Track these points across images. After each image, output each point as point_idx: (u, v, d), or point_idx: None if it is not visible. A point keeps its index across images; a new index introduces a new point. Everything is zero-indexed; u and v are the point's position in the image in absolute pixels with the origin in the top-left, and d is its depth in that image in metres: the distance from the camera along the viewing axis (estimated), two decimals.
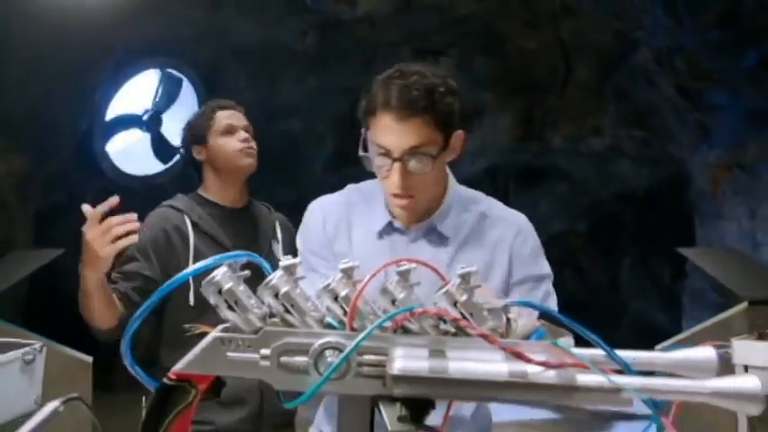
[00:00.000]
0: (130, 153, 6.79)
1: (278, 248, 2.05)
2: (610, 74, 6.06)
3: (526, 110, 7.02)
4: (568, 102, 6.67)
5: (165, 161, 6.87)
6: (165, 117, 6.96)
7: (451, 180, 1.53)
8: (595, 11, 5.69)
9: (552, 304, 1.42)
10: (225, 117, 2.09)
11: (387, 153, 1.37)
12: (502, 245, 1.46)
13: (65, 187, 5.66)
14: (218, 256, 0.83)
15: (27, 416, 1.14)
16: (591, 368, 0.79)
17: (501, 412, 1.85)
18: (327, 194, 1.57)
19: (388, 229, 1.48)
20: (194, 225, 1.98)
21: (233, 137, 2.06)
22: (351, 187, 1.56)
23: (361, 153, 1.43)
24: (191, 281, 1.83)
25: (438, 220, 1.47)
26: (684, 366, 0.86)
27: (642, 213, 7.46)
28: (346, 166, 7.52)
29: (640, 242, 7.51)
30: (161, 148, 6.72)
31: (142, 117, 6.65)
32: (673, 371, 0.87)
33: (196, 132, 2.12)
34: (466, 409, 1.47)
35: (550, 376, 0.77)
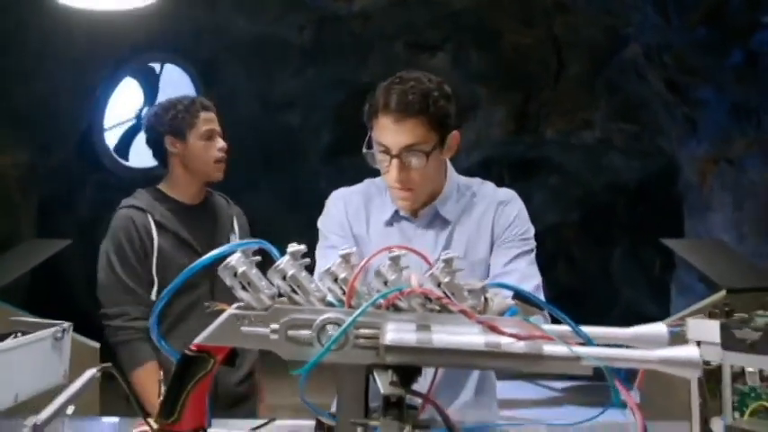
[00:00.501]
0: (129, 146, 6.89)
1: (235, 240, 2.08)
2: (601, 69, 6.17)
3: (520, 104, 7.13)
4: (561, 96, 6.78)
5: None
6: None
7: (451, 171, 1.67)
8: (587, 7, 5.80)
9: (535, 276, 1.55)
10: (208, 121, 2.08)
11: (386, 150, 1.51)
12: (486, 217, 1.61)
13: (66, 179, 5.77)
14: (233, 243, 0.96)
15: (57, 387, 1.27)
16: (555, 340, 0.92)
17: (506, 391, 1.97)
18: (347, 186, 1.71)
19: (397, 217, 1.63)
20: (157, 224, 2.01)
21: (212, 144, 2.07)
22: (368, 181, 1.71)
23: (364, 150, 1.56)
24: (154, 278, 1.95)
25: (440, 205, 1.62)
26: (640, 340, 0.99)
27: (633, 205, 7.60)
28: (342, 158, 7.64)
29: (631, 233, 7.64)
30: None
31: (140, 116, 6.77)
32: (630, 344, 1.00)
33: (175, 125, 2.07)
34: (468, 390, 1.59)
35: (520, 346, 0.90)
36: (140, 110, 6.89)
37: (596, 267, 8.14)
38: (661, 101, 5.67)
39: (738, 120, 4.79)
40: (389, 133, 1.50)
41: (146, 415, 1.07)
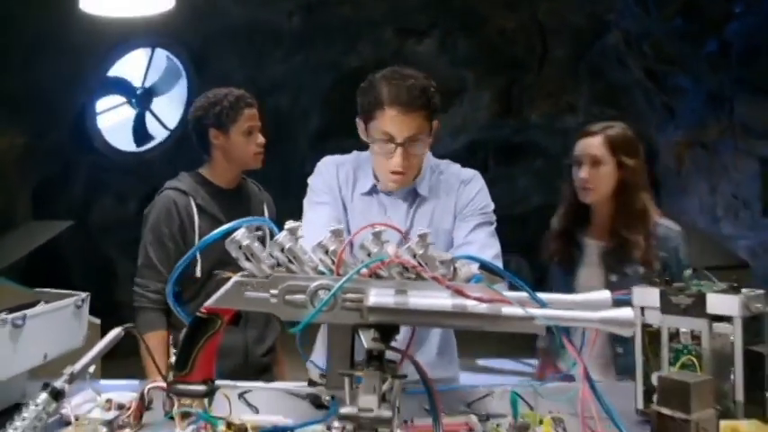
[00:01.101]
0: (121, 130, 6.99)
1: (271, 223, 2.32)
2: (584, 54, 6.33)
3: (505, 88, 7.28)
4: (545, 80, 6.93)
5: (151, 138, 7.10)
6: (156, 92, 7.17)
7: (428, 154, 1.84)
8: None
9: (494, 246, 1.74)
10: (250, 117, 2.27)
11: (391, 139, 1.68)
12: (451, 193, 1.81)
13: (61, 161, 5.87)
14: (239, 221, 1.11)
15: (78, 350, 1.42)
16: (513, 303, 1.08)
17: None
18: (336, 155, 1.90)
19: (375, 189, 1.82)
20: (199, 207, 2.22)
21: (251, 138, 2.27)
22: (355, 153, 1.89)
23: (364, 138, 1.75)
24: (198, 257, 2.11)
25: (417, 184, 1.81)
26: (587, 305, 1.16)
27: None
28: (331, 140, 7.76)
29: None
30: (154, 122, 6.96)
31: (136, 91, 6.86)
32: (578, 308, 1.16)
33: (220, 119, 2.25)
34: (431, 349, 1.78)
35: (483, 308, 1.07)
36: (134, 88, 6.99)
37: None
38: (641, 88, 5.85)
39: (713, 107, 4.97)
40: (396, 124, 1.67)
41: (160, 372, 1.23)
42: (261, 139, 2.30)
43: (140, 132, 6.96)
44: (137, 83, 7.02)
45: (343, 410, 0.95)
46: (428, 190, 1.81)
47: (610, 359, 2.00)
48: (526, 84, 7.09)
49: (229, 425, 1.04)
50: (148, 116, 7.12)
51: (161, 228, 2.19)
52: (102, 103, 6.75)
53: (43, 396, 1.03)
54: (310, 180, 1.86)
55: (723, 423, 1.05)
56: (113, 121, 6.99)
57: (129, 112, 7.01)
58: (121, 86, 6.82)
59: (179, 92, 7.23)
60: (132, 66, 6.92)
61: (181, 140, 7.11)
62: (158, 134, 7.22)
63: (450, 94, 7.02)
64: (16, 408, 1.40)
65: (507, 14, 6.84)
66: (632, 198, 2.06)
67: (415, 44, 7.27)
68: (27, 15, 4.34)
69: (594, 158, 2.05)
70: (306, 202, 1.81)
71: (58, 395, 1.04)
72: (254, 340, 2.25)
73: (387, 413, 0.94)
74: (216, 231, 1.12)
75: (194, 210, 2.20)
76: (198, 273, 2.13)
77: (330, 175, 1.83)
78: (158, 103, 7.22)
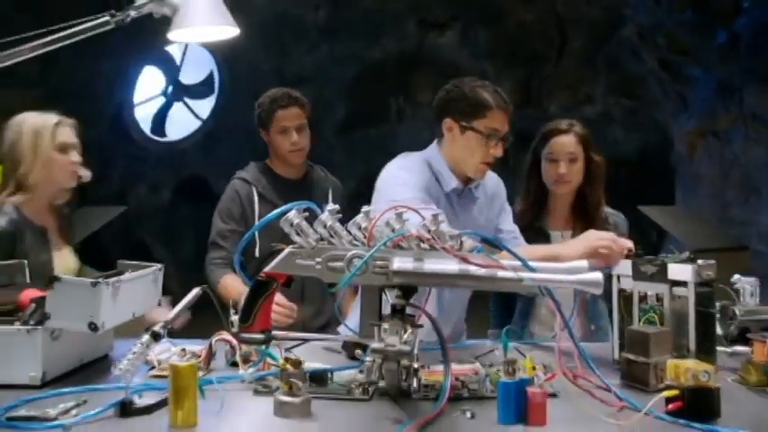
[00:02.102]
0: (164, 121, 7.36)
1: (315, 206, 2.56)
2: (601, 46, 6.53)
3: (524, 79, 7.49)
4: (563, 71, 7.14)
5: (188, 127, 7.46)
6: (188, 85, 7.52)
7: None
8: None
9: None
10: (284, 118, 2.48)
11: (498, 134, 2.03)
12: (499, 192, 2.25)
13: (102, 152, 6.24)
14: (291, 204, 1.41)
15: (154, 311, 1.74)
16: (507, 268, 1.37)
17: None
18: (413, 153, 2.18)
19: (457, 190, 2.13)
20: (260, 195, 2.48)
21: (286, 137, 2.48)
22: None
23: (465, 132, 2.05)
24: (257, 238, 2.30)
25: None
26: (569, 270, 1.44)
27: (634, 176, 7.98)
28: (355, 131, 8.06)
29: (632, 201, 8.03)
30: (187, 112, 7.34)
31: (167, 91, 7.24)
32: (561, 273, 1.45)
33: (261, 119, 2.53)
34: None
35: (482, 272, 1.36)
36: (166, 87, 7.35)
37: None
38: (655, 78, 6.04)
39: (723, 97, 5.16)
40: (504, 122, 2.04)
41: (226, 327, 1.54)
42: (295, 137, 2.49)
43: (159, 123, 7.30)
44: (171, 76, 7.39)
45: (374, 345, 1.25)
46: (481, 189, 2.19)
47: (586, 335, 2.26)
48: (545, 75, 7.30)
49: (287, 359, 1.34)
50: (181, 107, 7.48)
51: (225, 212, 2.48)
52: (138, 96, 7.13)
53: (146, 337, 1.34)
54: (401, 180, 2.09)
55: (669, 361, 1.32)
56: (149, 112, 7.37)
57: (162, 104, 7.39)
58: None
59: (210, 84, 7.58)
60: (167, 59, 7.28)
61: (212, 131, 7.47)
62: (191, 125, 7.58)
63: None
64: (105, 357, 1.73)
65: (526, 7, 7.05)
66: (595, 190, 2.31)
67: (436, 37, 7.51)
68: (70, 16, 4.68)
69: (571, 155, 2.28)
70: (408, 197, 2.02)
71: (157, 336, 1.35)
72: (310, 316, 2.47)
73: (406, 348, 1.24)
74: (273, 213, 1.42)
75: (255, 197, 2.48)
76: (257, 253, 2.33)
77: (422, 175, 2.09)
78: (191, 95, 7.58)
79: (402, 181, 2.03)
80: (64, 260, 2.20)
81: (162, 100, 7.42)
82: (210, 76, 7.52)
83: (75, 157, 2.16)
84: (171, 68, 7.36)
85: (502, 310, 2.42)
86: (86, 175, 2.22)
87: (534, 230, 2.31)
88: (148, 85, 7.13)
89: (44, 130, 2.12)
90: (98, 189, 6.42)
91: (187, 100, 7.51)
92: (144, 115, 7.28)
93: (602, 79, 6.81)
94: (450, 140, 2.09)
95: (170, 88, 7.34)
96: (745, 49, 4.85)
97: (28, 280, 1.80)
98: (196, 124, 7.50)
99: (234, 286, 2.30)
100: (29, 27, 1.58)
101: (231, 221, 2.47)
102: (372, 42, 7.67)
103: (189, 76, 7.45)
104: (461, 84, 2.08)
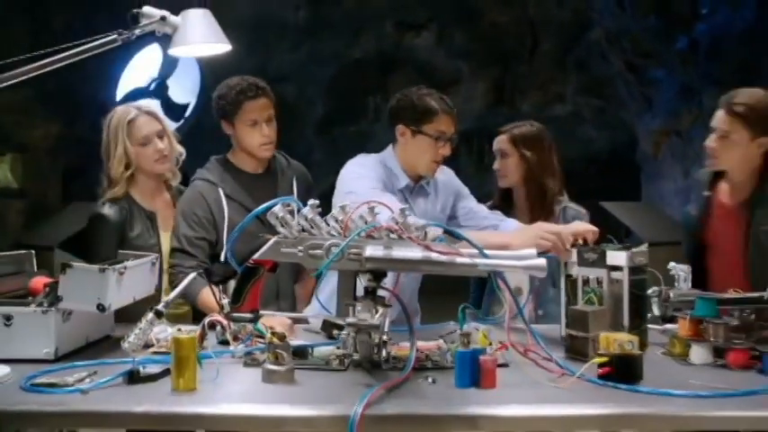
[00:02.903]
0: None
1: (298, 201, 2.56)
2: (570, 48, 6.78)
3: (498, 79, 7.73)
4: (535, 72, 7.39)
5: (175, 120, 7.59)
6: (170, 83, 7.65)
7: None
8: None
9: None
10: (252, 110, 2.32)
11: (443, 136, 2.24)
12: (449, 179, 2.44)
13: (85, 149, 6.38)
14: (276, 200, 1.61)
15: (151, 297, 1.92)
16: (464, 255, 1.58)
17: None
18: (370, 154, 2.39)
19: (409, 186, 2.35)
20: (227, 197, 2.32)
21: (256, 130, 2.33)
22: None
23: (416, 135, 2.26)
24: (224, 242, 2.20)
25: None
26: (518, 257, 1.66)
27: (603, 173, 8.26)
28: (335, 128, 8.25)
29: (601, 197, 8.31)
30: (169, 110, 7.45)
31: (149, 87, 7.36)
32: (512, 259, 1.66)
33: (225, 111, 2.34)
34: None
35: (443, 258, 1.57)
36: (152, 80, 7.49)
37: None
38: (622, 79, 6.31)
39: (685, 98, 5.43)
40: (449, 125, 2.26)
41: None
42: (266, 130, 2.34)
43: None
44: (152, 74, 7.51)
45: (349, 320, 1.46)
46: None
47: (534, 320, 2.48)
48: (518, 75, 7.54)
49: (273, 333, 1.53)
50: (162, 105, 7.61)
51: (192, 218, 2.29)
52: (120, 93, 7.25)
53: (150, 315, 1.53)
54: (355, 172, 2.29)
55: (602, 334, 1.54)
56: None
57: (146, 100, 7.51)
58: (134, 95, 7.30)
59: (192, 82, 7.72)
60: (147, 59, 7.40)
61: (193, 130, 7.61)
62: (172, 124, 7.70)
63: (446, 84, 7.49)
64: (107, 338, 1.92)
65: (500, 10, 7.28)
66: (538, 184, 2.55)
67: (413, 37, 7.71)
68: (57, 13, 4.82)
69: (502, 152, 2.58)
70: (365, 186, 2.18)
71: (159, 314, 1.54)
72: (285, 310, 2.38)
73: (376, 322, 1.45)
74: (258, 209, 1.62)
75: (223, 200, 2.31)
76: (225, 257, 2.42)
77: (376, 170, 2.28)
78: (173, 93, 7.72)
79: (357, 175, 2.24)
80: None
81: (141, 91, 7.53)
82: (192, 73, 7.65)
83: (158, 145, 2.32)
84: (168, 62, 7.46)
85: (479, 293, 2.66)
86: (180, 151, 2.41)
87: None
88: (132, 81, 7.24)
89: (120, 128, 2.30)
90: (84, 185, 6.56)
91: (168, 98, 7.63)
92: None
93: (573, 80, 7.07)
94: (403, 144, 2.31)
95: (155, 83, 7.47)
96: (703, 53, 5.12)
97: (35, 268, 1.98)
98: (179, 123, 7.63)
99: (212, 302, 1.97)
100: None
101: (200, 228, 2.28)
102: (351, 42, 7.85)
103: (170, 74, 7.57)
104: (409, 93, 2.30)
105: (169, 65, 7.53)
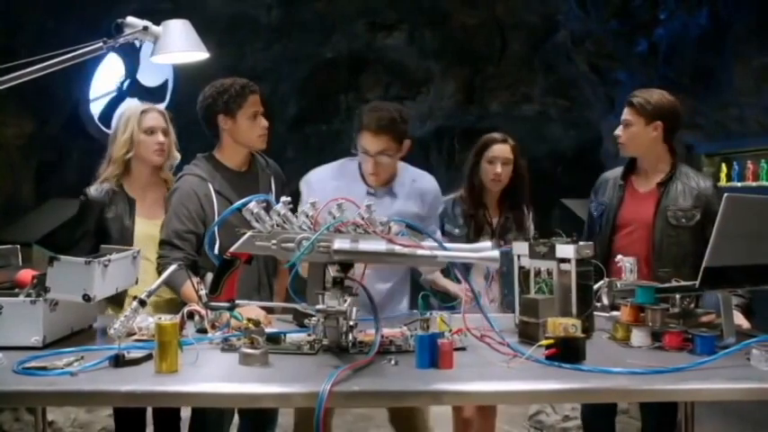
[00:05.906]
0: (111, 116, 7.52)
1: (272, 198, 2.68)
2: (537, 49, 6.96)
3: (468, 78, 7.89)
4: (503, 72, 7.56)
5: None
6: (140, 75, 7.71)
7: (400, 162, 2.52)
8: None
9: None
10: (253, 103, 2.49)
11: (366, 152, 2.37)
12: (429, 199, 2.55)
13: (59, 147, 6.40)
14: (252, 197, 1.74)
15: (131, 289, 2.04)
16: (425, 248, 1.73)
17: None
18: (323, 166, 2.54)
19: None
20: (216, 192, 2.43)
21: (256, 122, 2.50)
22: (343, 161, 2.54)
23: (353, 150, 2.43)
24: (216, 236, 2.24)
25: (395, 185, 2.49)
26: (475, 249, 1.81)
27: (570, 171, 8.48)
28: (307, 126, 8.35)
29: (568, 195, 8.54)
30: (150, 95, 7.51)
31: (122, 88, 7.41)
32: (469, 252, 1.81)
33: (229, 105, 2.47)
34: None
35: (405, 251, 1.71)
36: (122, 82, 7.51)
37: (540, 225, 9.04)
38: (586, 80, 6.51)
39: None
40: (369, 143, 2.36)
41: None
42: (264, 122, 2.53)
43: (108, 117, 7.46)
44: (122, 72, 7.55)
45: (318, 306, 1.59)
46: (400, 188, 2.49)
47: (500, 298, 2.66)
48: (487, 75, 7.70)
49: (248, 319, 1.66)
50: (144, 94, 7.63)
51: (183, 213, 2.39)
52: (94, 91, 7.28)
53: (135, 304, 1.65)
54: (304, 187, 2.46)
55: (549, 319, 1.70)
56: (104, 107, 7.51)
57: (118, 99, 7.54)
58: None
59: (162, 76, 7.77)
60: (122, 56, 7.44)
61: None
62: (160, 105, 7.73)
63: (417, 83, 7.64)
64: (90, 328, 2.03)
65: (469, 11, 7.43)
66: (521, 188, 2.88)
67: (384, 38, 7.83)
68: (30, 16, 4.87)
69: (507, 160, 2.84)
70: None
71: (143, 303, 1.66)
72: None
73: (342, 308, 1.59)
74: (227, 210, 1.76)
75: (213, 196, 2.43)
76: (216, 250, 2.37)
77: (320, 185, 2.40)
78: (145, 92, 7.76)
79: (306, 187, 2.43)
80: (152, 229, 2.48)
81: (115, 95, 7.57)
82: (165, 72, 7.70)
83: (160, 138, 2.56)
84: (131, 62, 7.52)
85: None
86: (176, 156, 2.63)
87: (479, 218, 2.82)
88: (105, 80, 7.28)
89: (132, 117, 2.57)
90: (59, 182, 6.59)
91: (141, 97, 7.67)
92: (98, 111, 7.43)
93: (540, 80, 7.25)
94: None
95: (126, 83, 7.51)
96: (662, 56, 5.32)
97: (20, 263, 2.08)
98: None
99: (194, 294, 2.07)
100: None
101: (190, 223, 2.39)
102: (324, 42, 7.95)
103: (146, 75, 7.62)
104: (367, 105, 2.45)
105: (132, 64, 7.56)
